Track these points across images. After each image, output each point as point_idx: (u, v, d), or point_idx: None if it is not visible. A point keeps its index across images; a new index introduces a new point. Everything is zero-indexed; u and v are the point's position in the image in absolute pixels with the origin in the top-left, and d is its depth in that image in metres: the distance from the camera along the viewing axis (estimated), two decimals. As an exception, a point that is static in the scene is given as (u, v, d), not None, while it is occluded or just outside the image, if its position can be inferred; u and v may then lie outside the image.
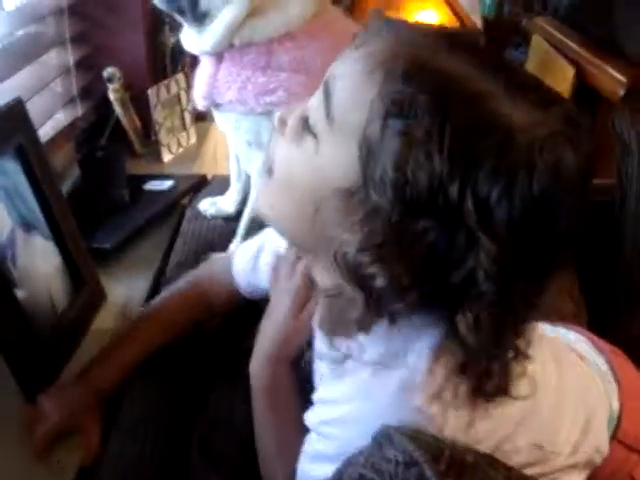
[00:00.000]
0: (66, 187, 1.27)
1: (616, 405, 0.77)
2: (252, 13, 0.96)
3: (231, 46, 0.98)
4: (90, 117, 1.39)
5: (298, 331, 0.75)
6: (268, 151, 0.63)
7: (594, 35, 2.54)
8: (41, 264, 0.88)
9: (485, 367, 0.54)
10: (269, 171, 0.62)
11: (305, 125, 0.58)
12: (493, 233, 0.49)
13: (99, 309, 0.98)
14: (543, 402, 0.64)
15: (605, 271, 1.32)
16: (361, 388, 0.59)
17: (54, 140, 1.27)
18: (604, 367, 0.80)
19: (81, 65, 1.35)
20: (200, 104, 1.09)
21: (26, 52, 1.21)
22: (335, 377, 0.64)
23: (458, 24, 1.89)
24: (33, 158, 0.88)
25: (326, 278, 0.61)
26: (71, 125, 1.32)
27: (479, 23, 3.05)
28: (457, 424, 0.55)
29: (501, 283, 0.51)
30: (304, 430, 0.66)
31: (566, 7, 3.54)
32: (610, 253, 1.32)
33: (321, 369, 0.69)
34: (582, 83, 2.42)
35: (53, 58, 1.29)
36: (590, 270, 1.33)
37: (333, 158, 0.55)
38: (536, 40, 3.03)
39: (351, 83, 0.55)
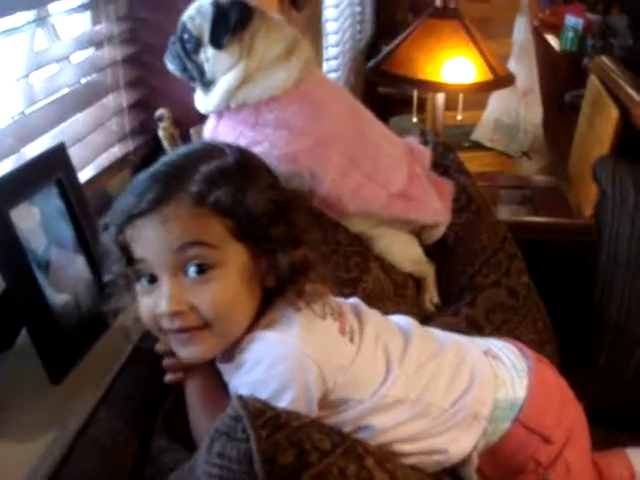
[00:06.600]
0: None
1: (522, 394, 0.95)
2: (244, 81, 1.18)
3: (228, 107, 1.21)
4: (141, 151, 1.63)
5: None
6: None
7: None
8: (70, 272, 1.11)
9: None
10: None
11: None
12: None
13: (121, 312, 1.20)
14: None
15: (579, 305, 1.45)
16: None
17: (109, 169, 1.52)
18: (521, 365, 0.99)
19: (135, 107, 1.60)
20: None
21: (88, 97, 1.46)
22: None
23: (489, 70, 2.02)
24: (69, 189, 1.12)
25: None
26: (124, 158, 1.57)
27: (533, 65, 3.13)
28: None
29: None
30: None
31: (629, 47, 3.60)
32: (584, 289, 1.46)
33: None
34: (629, 124, 2.51)
35: (110, 101, 1.54)
36: (566, 304, 1.48)
37: None
38: (591, 80, 3.11)
39: None
